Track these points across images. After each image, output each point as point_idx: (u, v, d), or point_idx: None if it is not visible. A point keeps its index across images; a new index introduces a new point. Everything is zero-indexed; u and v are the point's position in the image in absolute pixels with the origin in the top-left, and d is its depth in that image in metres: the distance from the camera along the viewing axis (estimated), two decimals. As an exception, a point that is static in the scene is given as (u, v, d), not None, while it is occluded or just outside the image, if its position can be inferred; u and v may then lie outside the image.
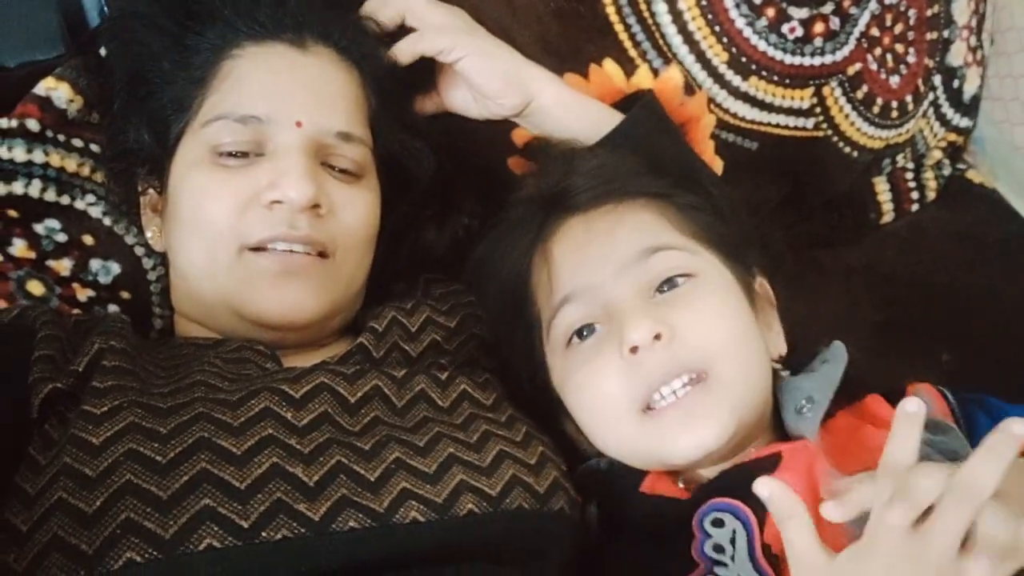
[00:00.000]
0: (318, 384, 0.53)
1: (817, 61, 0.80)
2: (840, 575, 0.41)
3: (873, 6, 0.81)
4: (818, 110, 0.82)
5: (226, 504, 0.46)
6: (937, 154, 0.94)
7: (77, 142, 0.66)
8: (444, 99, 0.70)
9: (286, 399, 0.52)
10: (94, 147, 0.66)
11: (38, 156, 0.64)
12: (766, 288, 0.63)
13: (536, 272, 0.60)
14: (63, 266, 0.65)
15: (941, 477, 0.39)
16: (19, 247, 0.63)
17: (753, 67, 0.78)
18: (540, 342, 0.59)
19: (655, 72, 0.77)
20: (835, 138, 0.84)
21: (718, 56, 0.78)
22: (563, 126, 0.68)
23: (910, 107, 0.87)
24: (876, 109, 0.85)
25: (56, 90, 0.65)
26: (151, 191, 0.64)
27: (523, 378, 0.61)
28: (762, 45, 0.78)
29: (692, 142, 0.76)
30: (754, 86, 0.79)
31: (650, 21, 0.76)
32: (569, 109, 0.68)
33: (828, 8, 0.79)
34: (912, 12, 0.85)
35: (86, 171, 0.66)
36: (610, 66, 0.76)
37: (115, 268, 0.67)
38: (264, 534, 0.45)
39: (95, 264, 0.66)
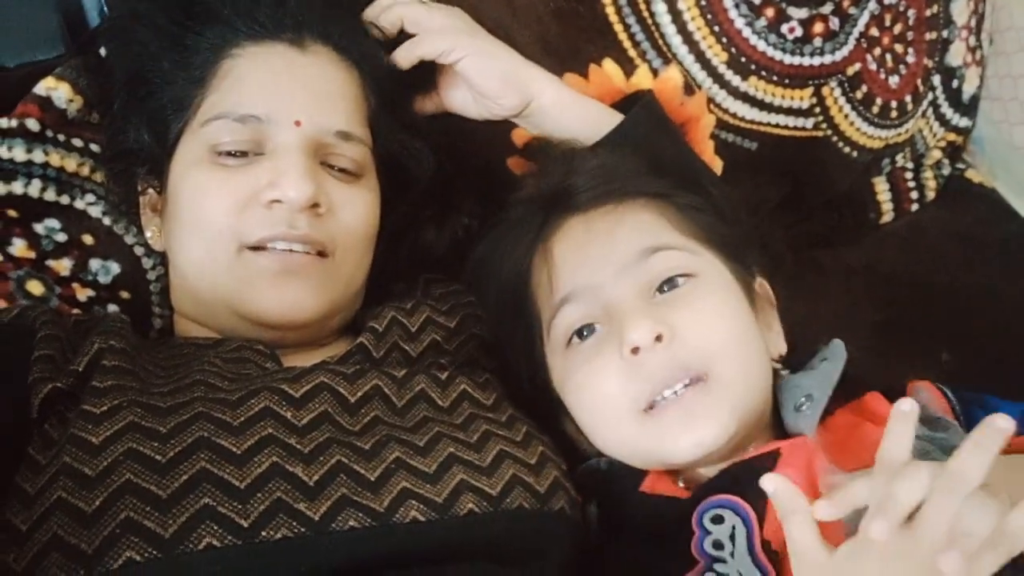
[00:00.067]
0: (318, 384, 0.53)
1: (816, 61, 0.80)
2: (838, 571, 0.42)
3: (872, 6, 0.81)
4: (817, 110, 0.82)
5: (226, 503, 0.46)
6: (936, 154, 0.95)
7: (77, 142, 0.66)
8: (444, 99, 0.70)
9: (286, 399, 0.52)
10: (94, 147, 0.66)
11: (38, 156, 0.64)
12: (766, 288, 0.63)
13: (536, 272, 0.60)
14: (63, 266, 0.65)
15: (926, 477, 0.40)
16: (19, 247, 0.63)
17: (752, 67, 0.78)
18: (540, 342, 0.59)
19: (654, 72, 0.77)
20: (835, 138, 0.84)
21: (717, 56, 0.78)
22: (562, 126, 0.68)
23: (909, 107, 0.87)
24: (875, 109, 0.85)
25: (56, 90, 0.65)
26: (151, 191, 0.64)
27: (523, 378, 0.61)
28: (761, 45, 0.78)
29: (692, 142, 0.76)
30: (753, 86, 0.79)
31: (649, 21, 0.76)
32: (568, 109, 0.68)
33: (827, 8, 0.79)
34: (911, 12, 0.85)
35: (86, 171, 0.66)
36: (610, 66, 0.76)
37: (115, 268, 0.67)
38: (264, 533, 0.45)
39: (95, 264, 0.66)
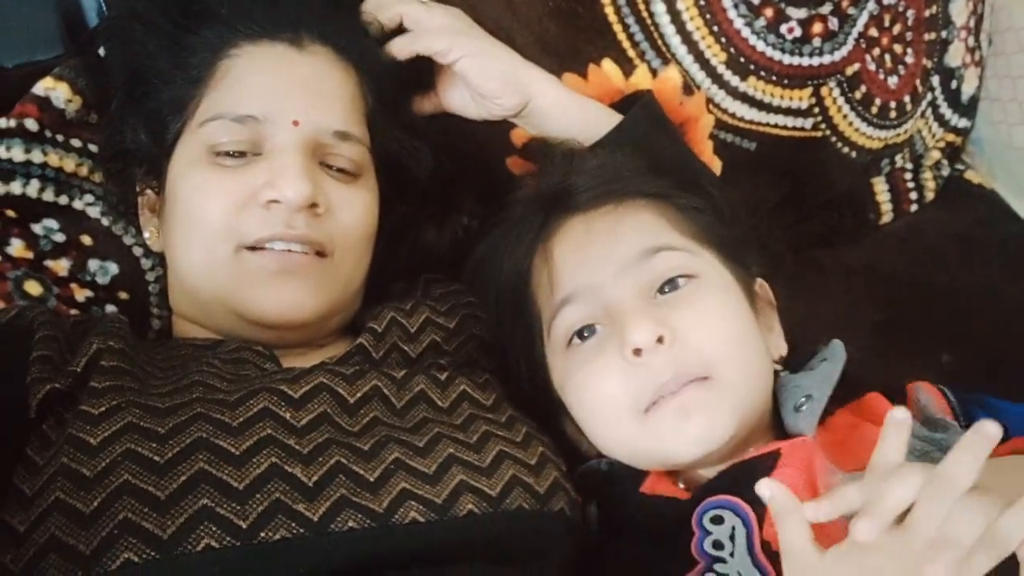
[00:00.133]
0: (317, 384, 0.53)
1: (815, 61, 0.80)
2: (827, 571, 0.42)
3: (871, 6, 0.82)
4: (816, 110, 0.82)
5: (224, 504, 0.46)
6: (935, 155, 0.95)
7: (75, 142, 0.66)
8: (442, 99, 0.70)
9: (285, 399, 0.51)
10: (92, 147, 0.66)
11: (36, 156, 0.64)
12: (766, 289, 0.63)
13: (537, 272, 0.60)
14: (61, 266, 0.65)
15: (916, 479, 0.40)
16: (17, 247, 0.63)
17: (751, 67, 0.78)
18: (540, 342, 0.59)
19: (654, 72, 0.77)
20: (833, 138, 0.84)
21: (716, 56, 0.78)
22: (561, 127, 0.68)
23: (908, 107, 0.87)
24: (874, 109, 0.85)
25: (55, 90, 0.65)
26: (149, 191, 0.64)
27: (523, 378, 0.61)
28: (760, 45, 0.78)
29: (691, 142, 0.77)
30: (752, 86, 0.79)
31: (648, 21, 0.76)
32: (567, 110, 0.68)
33: (826, 8, 0.80)
34: (910, 13, 0.85)
35: (84, 171, 0.66)
36: (609, 66, 0.76)
37: (113, 268, 0.66)
38: (263, 534, 0.45)
39: (93, 264, 0.66)
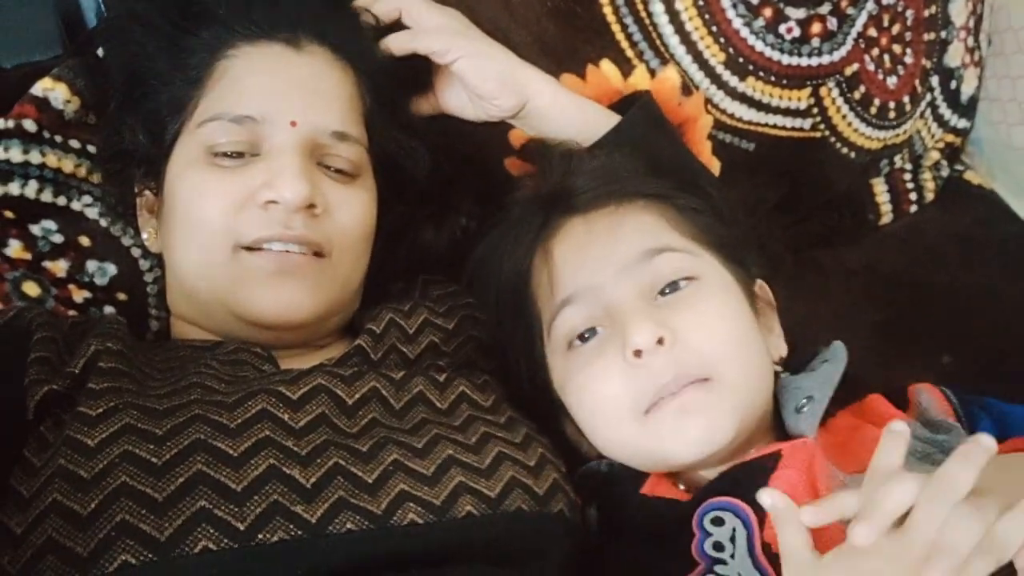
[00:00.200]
0: (315, 386, 0.53)
1: (814, 61, 0.80)
2: (826, 573, 0.42)
3: (870, 7, 0.81)
4: (815, 111, 0.82)
5: (222, 506, 0.46)
6: (935, 155, 0.95)
7: (74, 143, 0.66)
8: (440, 100, 0.70)
9: (283, 401, 0.51)
10: (91, 148, 0.66)
11: (35, 157, 0.64)
12: (766, 290, 0.63)
13: (537, 272, 0.60)
14: (59, 267, 0.65)
15: (913, 485, 0.40)
16: (15, 248, 0.63)
17: (750, 67, 0.78)
18: (540, 342, 0.59)
19: (652, 72, 0.77)
20: (832, 139, 0.84)
21: (715, 56, 0.78)
22: (559, 127, 0.68)
23: (907, 108, 0.87)
24: (873, 110, 0.85)
25: (53, 91, 0.65)
26: (147, 192, 0.64)
27: (523, 379, 0.61)
28: (759, 45, 0.78)
29: (689, 143, 0.77)
30: (751, 86, 0.79)
31: (647, 21, 0.76)
32: (565, 111, 0.68)
33: (825, 8, 0.79)
34: (909, 13, 0.85)
35: (83, 172, 0.66)
36: (607, 67, 0.76)
37: (111, 269, 0.66)
38: (260, 536, 0.45)
39: (91, 265, 0.66)
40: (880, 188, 0.91)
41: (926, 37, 0.87)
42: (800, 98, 0.81)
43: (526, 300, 0.60)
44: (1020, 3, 0.92)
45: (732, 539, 0.49)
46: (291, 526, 0.46)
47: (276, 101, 0.58)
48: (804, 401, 0.55)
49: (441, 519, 0.49)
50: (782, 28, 0.78)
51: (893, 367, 0.74)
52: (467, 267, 0.66)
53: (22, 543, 0.45)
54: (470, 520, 0.49)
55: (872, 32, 0.83)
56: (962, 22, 0.90)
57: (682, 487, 0.56)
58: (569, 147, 0.66)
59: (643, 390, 0.53)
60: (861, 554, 0.41)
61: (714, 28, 0.77)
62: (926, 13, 0.86)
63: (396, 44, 0.65)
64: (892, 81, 0.85)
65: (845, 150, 0.85)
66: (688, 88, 0.78)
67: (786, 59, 0.79)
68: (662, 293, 0.55)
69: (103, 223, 0.66)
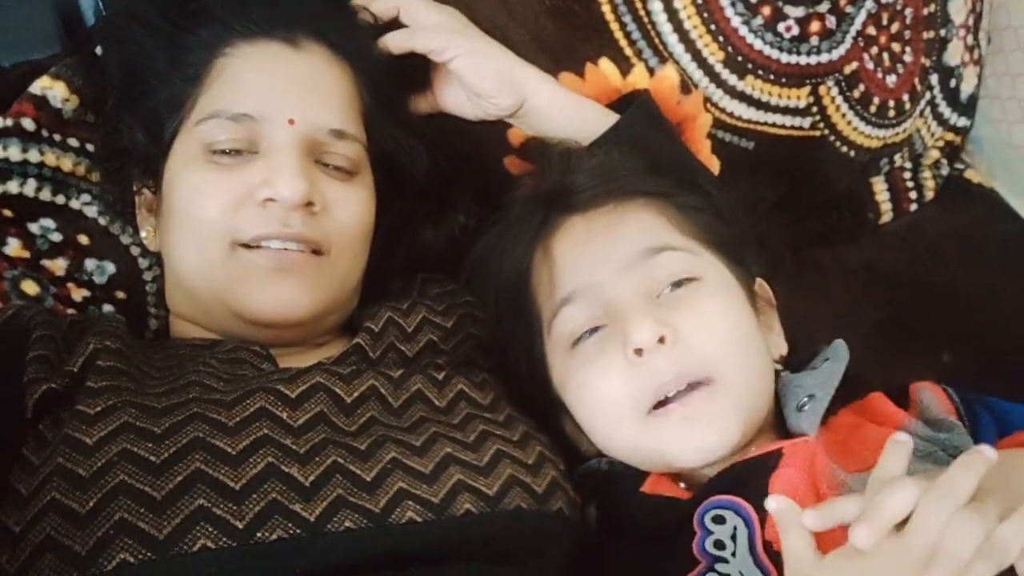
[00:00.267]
0: (314, 384, 0.53)
1: (813, 60, 0.80)
2: (826, 573, 0.42)
3: (869, 5, 0.81)
4: (815, 109, 0.82)
5: (221, 504, 0.46)
6: (935, 154, 0.94)
7: (73, 141, 0.66)
8: (438, 99, 0.70)
9: (281, 399, 0.51)
10: (90, 146, 0.66)
11: (33, 155, 0.64)
12: (766, 289, 0.63)
13: (536, 270, 0.60)
14: (58, 266, 0.65)
15: (914, 489, 0.41)
16: (13, 246, 0.63)
17: (749, 66, 0.78)
18: (540, 340, 0.59)
19: (651, 71, 0.77)
20: (832, 137, 0.84)
21: (714, 55, 0.78)
22: (558, 126, 0.68)
23: (907, 106, 0.87)
24: (873, 108, 0.85)
25: (52, 89, 0.65)
26: (146, 191, 0.64)
27: (522, 377, 0.61)
28: (758, 44, 0.78)
29: (688, 141, 0.77)
30: (750, 85, 0.79)
31: (646, 20, 0.76)
32: (564, 109, 0.68)
33: (824, 7, 0.79)
34: (908, 11, 0.85)
35: (82, 171, 0.66)
36: (606, 65, 0.76)
37: (110, 268, 0.66)
38: (259, 535, 0.45)
39: (90, 264, 0.66)
40: (880, 187, 0.91)
41: (925, 35, 0.87)
42: (799, 97, 0.81)
43: (526, 298, 0.60)
44: (1019, 1, 0.92)
45: (733, 537, 0.49)
46: (290, 524, 0.46)
47: (274, 99, 0.58)
48: (805, 399, 0.55)
49: (440, 517, 0.49)
50: (781, 26, 0.78)
51: (893, 366, 0.74)
52: (466, 265, 0.66)
53: (21, 541, 0.45)
54: (469, 518, 0.49)
55: (871, 30, 0.83)
56: (961, 20, 0.90)
57: (682, 485, 0.56)
58: (568, 146, 0.66)
59: (644, 389, 0.53)
60: (862, 556, 0.41)
61: (713, 27, 0.77)
62: (925, 11, 0.86)
63: (394, 42, 0.65)
64: (891, 79, 0.85)
65: (845, 149, 0.85)
66: (687, 87, 0.78)
67: (785, 57, 0.79)
68: (663, 292, 0.55)
69: (102, 221, 0.66)
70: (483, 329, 0.65)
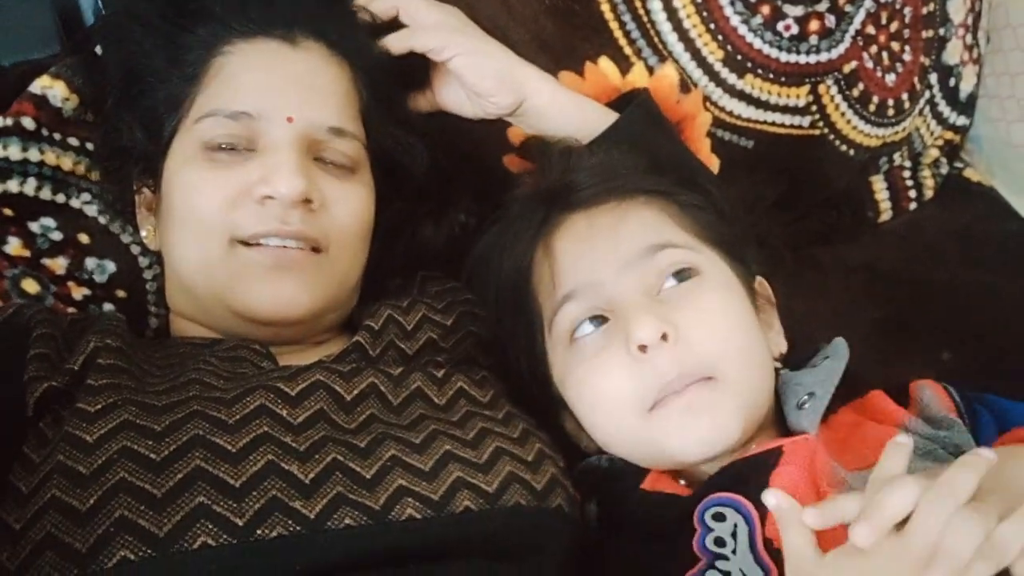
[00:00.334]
0: (314, 382, 0.53)
1: (813, 59, 0.80)
2: (827, 571, 0.42)
3: (868, 4, 0.81)
4: (814, 108, 0.82)
5: (221, 502, 0.46)
6: (934, 152, 0.95)
7: (73, 140, 0.66)
8: (438, 97, 0.70)
9: (281, 397, 0.51)
10: (90, 145, 0.66)
11: (33, 154, 0.64)
12: (765, 287, 0.63)
13: (537, 268, 0.60)
14: (58, 264, 0.65)
15: (915, 488, 0.41)
16: (14, 245, 0.63)
17: (749, 65, 0.78)
18: (541, 337, 0.59)
19: (650, 70, 0.77)
20: (831, 136, 0.84)
21: (713, 54, 0.78)
22: (557, 125, 0.68)
23: (906, 105, 0.87)
24: (872, 107, 0.85)
25: (52, 88, 0.65)
26: (146, 190, 0.64)
27: (523, 374, 0.61)
28: (757, 43, 0.78)
29: (688, 140, 0.77)
30: (750, 84, 0.79)
31: (645, 19, 0.76)
32: (563, 108, 0.68)
33: (823, 6, 0.79)
34: (908, 10, 0.85)
35: (82, 169, 0.66)
36: (605, 64, 0.76)
37: (110, 267, 0.66)
38: (259, 532, 0.45)
39: (90, 263, 0.66)
40: (879, 185, 0.91)
41: (924, 34, 0.87)
42: (799, 95, 0.81)
43: (526, 296, 0.60)
44: (1018, 0, 0.92)
45: (733, 535, 0.49)
46: (290, 521, 0.46)
47: (272, 97, 0.58)
48: (806, 397, 0.55)
49: (439, 514, 0.49)
50: (780, 26, 0.78)
51: (892, 364, 0.74)
52: (467, 264, 0.66)
53: (21, 539, 0.45)
54: (468, 515, 0.49)
55: (870, 29, 0.83)
56: (960, 19, 0.90)
57: (682, 482, 0.56)
58: (568, 144, 0.66)
59: (647, 386, 0.53)
60: (863, 555, 0.41)
61: (712, 26, 0.77)
62: (924, 10, 0.86)
63: (394, 45, 0.66)
64: (891, 78, 0.85)
65: (844, 147, 0.85)
66: (686, 85, 0.78)
67: (784, 56, 0.79)
68: (664, 288, 0.55)
69: (102, 220, 0.66)
70: (483, 327, 0.65)
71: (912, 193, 0.92)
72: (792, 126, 0.82)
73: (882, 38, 0.84)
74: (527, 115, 0.68)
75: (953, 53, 0.91)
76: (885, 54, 0.85)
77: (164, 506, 0.45)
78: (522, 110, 0.68)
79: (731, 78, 0.78)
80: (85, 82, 0.66)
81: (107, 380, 0.51)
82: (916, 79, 0.87)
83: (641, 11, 0.76)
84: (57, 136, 0.65)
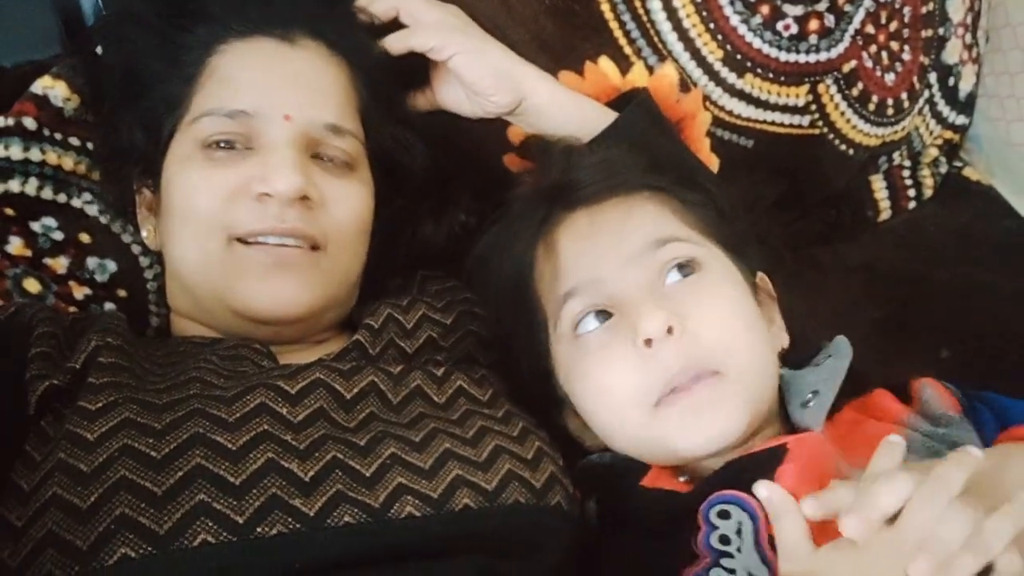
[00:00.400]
0: (314, 380, 0.53)
1: (812, 58, 0.80)
2: (817, 567, 0.43)
3: (868, 3, 0.82)
4: (814, 107, 0.82)
5: (221, 500, 0.46)
6: (933, 152, 0.95)
7: (74, 140, 0.66)
8: (437, 96, 0.70)
9: (282, 395, 0.52)
10: (91, 145, 0.66)
11: (35, 154, 0.64)
12: (767, 282, 0.63)
13: (539, 266, 0.59)
14: (60, 264, 0.65)
15: (907, 481, 0.41)
16: (15, 245, 0.64)
17: (748, 64, 0.78)
18: (544, 335, 0.59)
19: (650, 69, 0.77)
20: (831, 135, 0.84)
21: (713, 53, 0.78)
22: (557, 124, 0.68)
23: (906, 104, 0.87)
24: (872, 106, 0.85)
25: (53, 88, 0.65)
26: (146, 190, 0.64)
27: (523, 373, 0.61)
28: (757, 42, 0.78)
29: (688, 139, 0.77)
30: (749, 83, 0.79)
31: (645, 19, 0.77)
32: (563, 107, 0.68)
33: (823, 5, 0.80)
34: (907, 9, 0.85)
35: (83, 169, 0.66)
36: (605, 64, 0.76)
37: (111, 266, 0.67)
38: (259, 529, 0.45)
39: (92, 262, 0.66)
40: (879, 185, 0.91)
41: (924, 34, 0.87)
42: (798, 95, 0.81)
43: (528, 294, 0.60)
44: (1018, -1, 0.92)
45: (738, 532, 0.49)
46: (290, 519, 0.46)
47: (269, 95, 0.58)
48: (810, 396, 0.55)
49: (439, 512, 0.49)
50: (779, 25, 0.79)
51: (892, 363, 0.74)
52: (467, 263, 0.66)
53: (22, 536, 0.46)
54: (467, 513, 0.49)
55: (870, 29, 0.83)
56: (960, 18, 0.90)
57: (683, 479, 0.56)
58: (569, 142, 0.66)
59: (652, 381, 0.53)
60: (856, 547, 0.41)
61: (712, 25, 0.77)
62: (924, 10, 0.86)
63: (393, 44, 0.66)
64: (890, 78, 0.85)
65: (843, 147, 0.85)
66: (686, 85, 0.78)
67: (784, 56, 0.79)
68: (668, 284, 0.55)
69: (103, 220, 0.67)
70: (483, 326, 0.65)
71: (911, 192, 0.92)
72: (792, 125, 0.82)
73: (881, 37, 0.84)
74: (527, 114, 0.68)
75: (952, 52, 0.91)
76: (884, 53, 0.85)
77: (164, 504, 0.45)
78: (521, 109, 0.68)
79: (731, 77, 0.78)
80: (86, 82, 0.66)
81: (108, 378, 0.51)
82: (915, 78, 0.88)
83: (641, 11, 0.76)
84: (58, 136, 0.66)
